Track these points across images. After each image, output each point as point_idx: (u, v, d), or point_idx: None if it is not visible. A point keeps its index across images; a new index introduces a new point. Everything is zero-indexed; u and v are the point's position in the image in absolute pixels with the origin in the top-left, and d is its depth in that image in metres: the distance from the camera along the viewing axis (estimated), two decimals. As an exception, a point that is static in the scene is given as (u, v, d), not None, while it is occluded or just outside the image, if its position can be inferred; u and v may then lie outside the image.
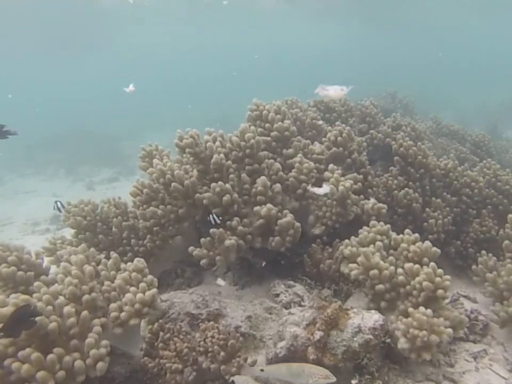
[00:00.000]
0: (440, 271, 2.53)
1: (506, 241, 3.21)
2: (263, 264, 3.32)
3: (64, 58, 30.00)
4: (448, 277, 2.53)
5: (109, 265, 2.66)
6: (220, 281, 3.50)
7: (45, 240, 6.99)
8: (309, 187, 3.17)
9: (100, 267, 2.67)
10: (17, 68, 31.09)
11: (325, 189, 3.12)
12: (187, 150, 3.05)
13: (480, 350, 2.77)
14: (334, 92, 3.24)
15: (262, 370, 2.13)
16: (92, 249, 3.02)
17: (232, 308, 2.90)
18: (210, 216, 3.00)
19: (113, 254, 2.80)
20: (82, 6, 19.47)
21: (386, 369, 2.48)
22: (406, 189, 3.79)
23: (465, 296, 3.32)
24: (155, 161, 3.18)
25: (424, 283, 2.47)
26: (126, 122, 21.67)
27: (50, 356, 1.98)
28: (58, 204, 4.05)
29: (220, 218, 3.02)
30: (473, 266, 3.44)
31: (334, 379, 2.08)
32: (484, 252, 3.48)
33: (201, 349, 2.23)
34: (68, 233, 3.86)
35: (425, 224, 3.73)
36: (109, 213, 3.71)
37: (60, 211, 3.91)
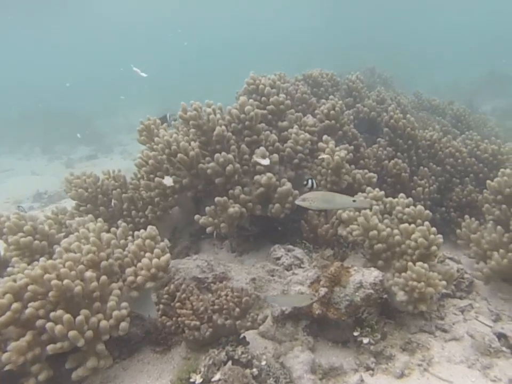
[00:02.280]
0: (433, 229, 2.77)
1: (486, 205, 3.43)
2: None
3: (27, 31, 28.92)
4: (440, 235, 2.76)
5: (118, 234, 2.77)
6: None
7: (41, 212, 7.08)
8: (254, 157, 3.27)
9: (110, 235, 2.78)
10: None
11: (266, 160, 3.23)
12: (191, 122, 3.15)
13: (467, 304, 3.01)
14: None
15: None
16: (100, 219, 3.13)
17: (236, 271, 3.07)
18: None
19: (122, 223, 2.90)
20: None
21: (382, 324, 2.69)
22: (396, 159, 3.99)
23: (450, 258, 3.57)
24: (161, 132, 3.27)
25: (420, 239, 2.69)
26: (97, 100, 21.25)
27: (79, 317, 2.10)
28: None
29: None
30: (457, 230, 3.67)
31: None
32: (466, 216, 3.71)
33: (216, 307, 2.38)
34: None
35: (413, 192, 3.94)
36: (109, 185, 3.78)
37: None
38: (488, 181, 3.42)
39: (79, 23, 31.38)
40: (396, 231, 2.83)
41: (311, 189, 3.25)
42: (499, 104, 12.63)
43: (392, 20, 34.24)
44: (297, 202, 2.55)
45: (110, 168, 4.01)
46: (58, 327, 2.04)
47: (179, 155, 3.08)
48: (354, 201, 2.55)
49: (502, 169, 3.38)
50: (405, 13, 32.32)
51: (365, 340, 2.52)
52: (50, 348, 2.06)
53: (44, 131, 15.53)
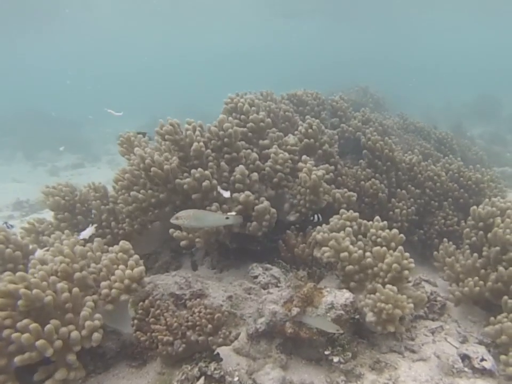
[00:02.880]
0: (406, 254, 2.81)
1: (467, 229, 3.50)
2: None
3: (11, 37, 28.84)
4: (412, 260, 2.81)
5: (94, 247, 2.77)
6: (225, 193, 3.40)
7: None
8: (218, 187, 3.30)
9: (85, 248, 2.78)
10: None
11: (227, 193, 3.28)
12: (166, 136, 3.19)
13: (437, 326, 3.06)
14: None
15: None
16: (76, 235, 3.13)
17: (213, 289, 3.08)
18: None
19: (97, 238, 2.91)
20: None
21: (355, 343, 2.72)
22: (373, 179, 4.05)
23: (426, 281, 3.63)
24: (136, 148, 3.30)
25: (394, 265, 2.73)
26: (85, 107, 21.24)
27: (48, 326, 2.08)
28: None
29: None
30: (435, 252, 3.73)
31: None
32: (445, 239, 3.78)
33: (190, 323, 2.39)
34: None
35: (391, 213, 4.01)
36: (87, 195, 3.78)
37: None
38: (473, 208, 3.46)
39: (73, 30, 31.45)
40: (368, 253, 2.87)
41: (318, 223, 3.37)
42: (488, 128, 12.91)
43: (388, 43, 34.95)
44: (171, 220, 2.71)
45: (97, 178, 4.03)
46: (25, 335, 2.01)
47: (153, 169, 3.10)
48: (227, 218, 2.76)
49: (493, 199, 3.45)
50: (400, 35, 32.94)
51: (335, 359, 2.55)
52: (18, 358, 2.03)
53: (27, 136, 15.33)
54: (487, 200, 3.47)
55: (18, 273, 2.19)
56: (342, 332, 2.47)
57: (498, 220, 3.16)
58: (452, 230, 4.12)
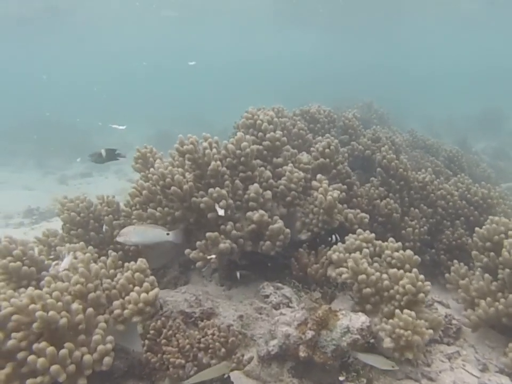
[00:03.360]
0: (421, 276, 2.78)
1: (475, 252, 3.46)
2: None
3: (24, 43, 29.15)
4: (428, 282, 2.78)
5: (108, 263, 2.75)
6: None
7: (22, 234, 7.01)
8: (216, 204, 3.16)
9: (99, 264, 2.77)
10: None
11: (222, 211, 3.15)
12: (187, 156, 3.18)
13: (454, 351, 3.00)
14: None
15: None
16: (90, 247, 3.12)
17: (224, 307, 3.06)
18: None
19: (112, 253, 2.90)
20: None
21: (369, 368, 2.68)
22: (387, 199, 4.02)
23: (439, 302, 3.58)
24: (157, 163, 3.29)
25: (407, 286, 2.70)
26: (94, 116, 21.35)
27: (62, 351, 2.07)
28: None
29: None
30: (446, 275, 3.69)
31: None
32: (455, 261, 3.74)
33: (202, 345, 2.36)
34: (44, 228, 3.86)
35: (403, 232, 3.97)
36: (101, 210, 3.77)
37: None
38: (476, 228, 3.46)
39: (82, 38, 31.77)
40: (384, 275, 2.84)
41: (335, 243, 3.35)
42: (492, 143, 12.84)
43: (388, 56, 35.07)
44: (117, 239, 2.84)
45: (104, 188, 4.03)
46: (41, 360, 2.00)
47: (173, 188, 3.09)
48: (168, 234, 2.87)
49: (490, 217, 3.43)
50: (401, 48, 33.08)
51: (350, 386, 2.51)
52: (29, 382, 2.02)
53: (38, 144, 15.47)
54: (489, 219, 3.44)
55: (36, 292, 2.18)
56: (397, 368, 2.46)
57: (506, 242, 3.11)
58: (463, 249, 4.06)
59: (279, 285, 3.29)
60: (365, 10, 21.22)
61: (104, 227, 3.66)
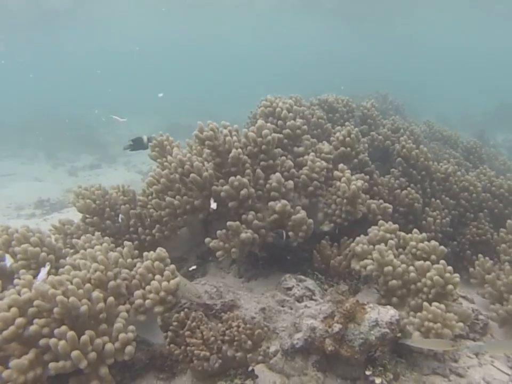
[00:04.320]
0: (449, 268, 2.69)
1: (503, 245, 3.36)
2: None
3: (38, 38, 29.16)
4: (457, 274, 2.68)
5: (124, 253, 2.68)
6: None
7: (35, 225, 6.97)
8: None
9: (116, 254, 2.70)
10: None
11: (214, 205, 3.12)
12: (207, 142, 3.09)
13: (481, 347, 2.91)
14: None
15: None
16: (106, 237, 3.05)
17: (245, 300, 2.98)
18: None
19: (127, 243, 2.82)
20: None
21: (394, 362, 2.59)
22: (408, 188, 3.93)
23: (463, 297, 3.47)
24: (175, 150, 3.21)
25: (435, 278, 2.61)
26: (101, 108, 21.37)
27: (83, 337, 2.01)
28: None
29: None
30: (471, 269, 3.60)
31: None
32: (480, 255, 3.64)
33: (227, 337, 2.29)
34: (56, 219, 3.82)
35: (424, 222, 3.87)
36: (117, 199, 3.70)
37: None
38: (509, 221, 3.36)
39: (90, 32, 31.77)
40: (411, 267, 2.75)
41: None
42: (509, 136, 12.67)
43: (401, 51, 34.75)
44: None
45: (114, 179, 3.98)
46: (62, 342, 1.94)
47: (192, 175, 3.01)
48: None
49: None
50: (413, 42, 32.75)
51: (377, 380, 2.41)
52: (52, 365, 1.95)
53: (49, 136, 15.49)
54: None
55: (57, 278, 2.12)
56: (457, 347, 2.41)
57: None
58: (487, 243, 3.96)
59: (302, 277, 3.21)
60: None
61: (120, 216, 3.60)
